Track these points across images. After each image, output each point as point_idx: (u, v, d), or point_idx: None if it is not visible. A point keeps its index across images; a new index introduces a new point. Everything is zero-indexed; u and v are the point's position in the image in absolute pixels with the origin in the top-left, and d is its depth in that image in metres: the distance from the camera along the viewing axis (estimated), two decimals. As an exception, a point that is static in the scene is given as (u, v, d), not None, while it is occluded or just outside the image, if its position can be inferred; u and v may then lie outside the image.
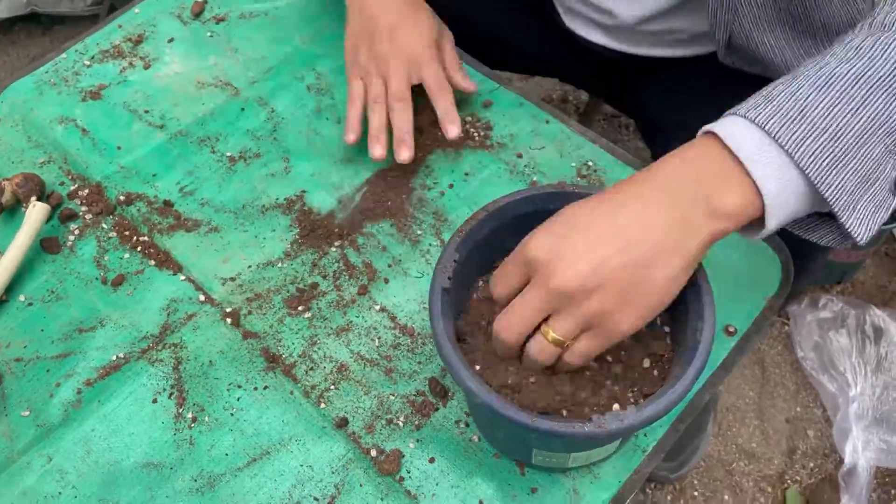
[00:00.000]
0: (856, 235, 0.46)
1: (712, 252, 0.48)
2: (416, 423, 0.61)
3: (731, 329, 0.63)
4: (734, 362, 0.62)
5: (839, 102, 0.45)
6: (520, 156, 0.74)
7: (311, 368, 0.64)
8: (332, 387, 0.63)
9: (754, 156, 0.45)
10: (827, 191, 0.44)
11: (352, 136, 0.73)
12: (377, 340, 0.65)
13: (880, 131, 0.45)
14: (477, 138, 0.76)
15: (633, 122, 1.56)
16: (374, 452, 0.59)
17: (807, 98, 0.45)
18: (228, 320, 0.67)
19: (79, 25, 1.87)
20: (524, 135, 0.76)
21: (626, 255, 0.46)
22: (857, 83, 0.45)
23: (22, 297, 0.68)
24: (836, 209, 0.45)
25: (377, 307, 0.66)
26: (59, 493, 0.58)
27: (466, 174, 0.74)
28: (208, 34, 0.86)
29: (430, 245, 0.70)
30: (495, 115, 0.78)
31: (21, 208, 0.73)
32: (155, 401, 0.63)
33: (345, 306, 0.67)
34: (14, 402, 0.63)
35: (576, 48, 0.84)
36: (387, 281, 0.68)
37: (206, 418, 0.62)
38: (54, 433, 0.61)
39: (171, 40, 0.85)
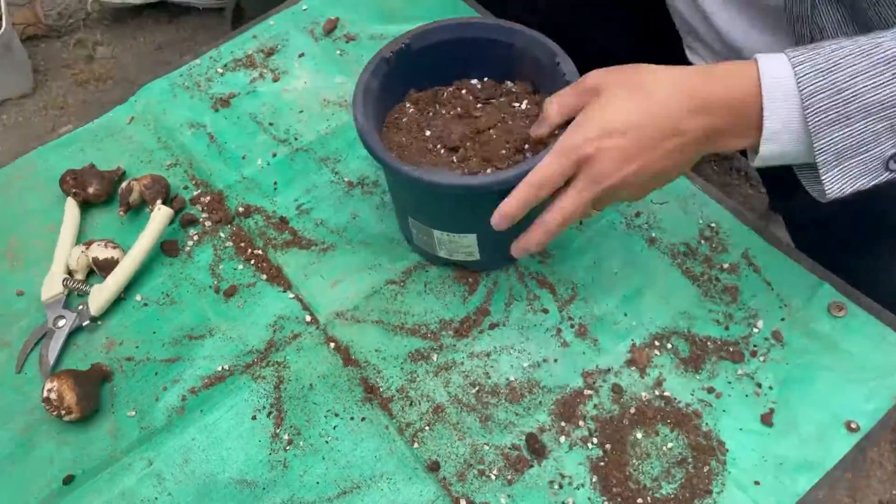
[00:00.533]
0: (828, 191, 0.52)
1: (840, 338, 0.50)
2: (509, 477, 0.60)
3: (854, 425, 0.60)
4: (854, 461, 0.59)
5: (866, 73, 0.50)
6: (637, 214, 0.72)
7: (408, 405, 0.63)
8: (427, 427, 0.62)
9: (773, 86, 0.51)
10: (818, 142, 0.51)
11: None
12: (476, 386, 0.64)
13: (891, 111, 0.50)
14: (596, 186, 0.74)
15: (745, 166, 1.50)
16: (463, 502, 0.59)
17: (843, 58, 0.50)
18: (331, 345, 0.67)
19: (204, 17, 1.95)
20: (646, 188, 0.74)
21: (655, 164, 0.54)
22: (889, 63, 0.50)
23: (138, 297, 0.71)
24: (818, 160, 0.52)
25: (480, 352, 0.66)
26: (156, 498, 0.60)
27: (580, 224, 0.72)
28: (338, 52, 0.87)
29: (543, 307, 0.68)
30: (618, 164, 0.76)
31: (146, 208, 0.75)
32: (254, 417, 0.64)
33: (447, 347, 0.66)
34: (122, 401, 0.65)
35: None
36: (492, 327, 0.67)
37: (302, 442, 0.62)
38: (156, 437, 0.63)
39: (301, 55, 0.87)
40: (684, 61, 0.85)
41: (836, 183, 0.52)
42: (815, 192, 0.55)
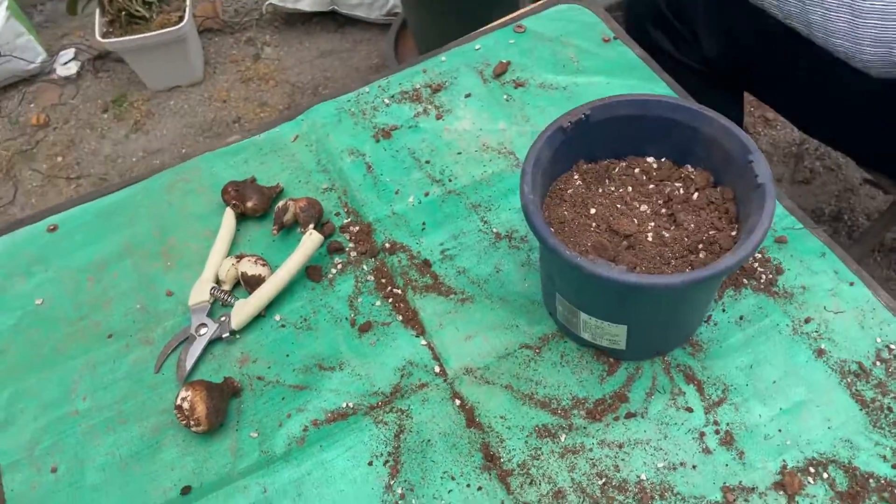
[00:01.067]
0: None
1: None
2: (626, 586, 0.55)
3: None
4: None
5: None
6: (808, 320, 0.66)
7: (528, 483, 0.60)
8: (545, 511, 0.59)
9: None
10: None
11: None
12: (603, 478, 0.60)
13: None
14: (762, 280, 0.69)
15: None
16: None
17: None
18: (457, 402, 0.65)
19: (369, 31, 2.00)
20: (820, 292, 0.67)
21: None
22: None
23: (277, 317, 0.71)
24: None
25: (612, 441, 0.62)
26: (265, 527, 0.60)
27: (741, 318, 0.67)
28: (504, 97, 0.85)
29: (687, 405, 0.63)
30: (788, 258, 0.70)
31: (297, 229, 0.76)
32: (371, 463, 0.62)
33: (577, 428, 0.62)
34: (246, 420, 0.66)
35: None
36: (629, 416, 0.63)
37: (414, 500, 0.60)
38: (274, 465, 0.63)
39: (467, 95, 0.86)
40: None
41: None
42: None
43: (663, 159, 0.64)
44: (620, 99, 0.62)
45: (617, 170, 0.64)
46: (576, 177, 0.64)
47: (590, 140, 0.63)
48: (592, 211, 0.61)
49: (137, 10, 1.76)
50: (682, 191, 0.62)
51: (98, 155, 1.84)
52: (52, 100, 1.97)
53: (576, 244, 0.60)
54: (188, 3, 1.83)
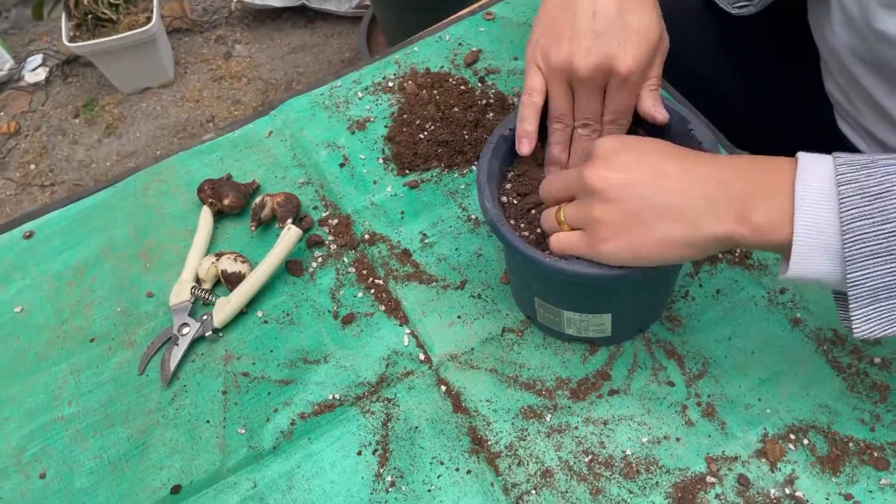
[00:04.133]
0: (855, 329, 0.46)
1: None
2: (616, 559, 0.56)
3: None
4: None
5: None
6: (782, 291, 0.67)
7: (516, 464, 0.61)
8: (534, 491, 0.60)
9: (811, 198, 0.45)
10: (852, 274, 0.44)
11: (527, 147, 0.61)
12: (589, 455, 0.61)
13: None
14: (737, 253, 0.70)
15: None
16: (565, 578, 0.56)
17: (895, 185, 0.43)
18: (443, 388, 0.66)
19: (339, 24, 1.99)
20: (794, 263, 0.68)
21: (650, 195, 0.49)
22: None
23: (259, 313, 0.72)
24: (850, 294, 0.45)
25: (596, 418, 0.62)
26: (257, 521, 0.60)
27: (718, 292, 0.68)
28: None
29: (668, 379, 0.64)
30: (763, 232, 0.71)
31: (276, 225, 0.76)
32: (359, 453, 0.63)
33: (562, 408, 0.63)
34: (233, 417, 0.66)
35: None
36: (612, 393, 0.64)
37: (404, 487, 0.61)
38: (263, 459, 0.63)
39: (440, 84, 0.86)
40: (835, 130, 0.79)
41: (867, 323, 0.46)
42: (844, 325, 0.48)
43: None
44: None
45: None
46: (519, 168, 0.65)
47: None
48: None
49: (104, 13, 1.74)
50: None
51: (71, 161, 1.82)
52: (21, 107, 1.94)
53: (537, 238, 0.60)
54: (156, 3, 1.81)
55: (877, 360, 0.63)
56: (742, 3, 0.79)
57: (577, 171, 0.53)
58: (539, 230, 0.60)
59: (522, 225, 0.61)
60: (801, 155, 0.47)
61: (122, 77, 1.89)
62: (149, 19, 1.78)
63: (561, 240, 0.55)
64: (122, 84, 1.91)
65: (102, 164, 1.80)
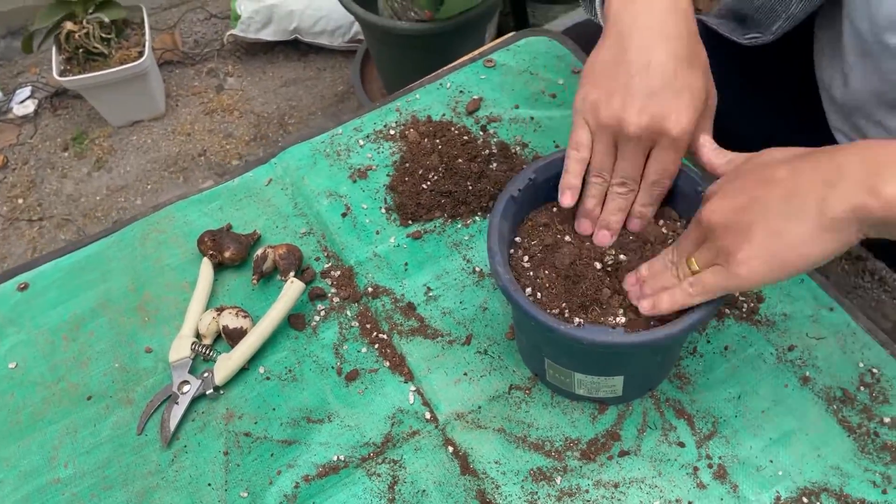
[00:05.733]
0: None
1: None
2: None
3: None
4: None
5: None
6: (791, 348, 0.67)
7: (526, 529, 0.60)
8: (545, 557, 0.58)
9: None
10: None
11: (569, 200, 0.61)
12: (601, 519, 0.60)
13: None
14: (744, 309, 0.70)
15: (880, 269, 1.40)
16: None
17: None
18: (450, 448, 0.64)
19: (332, 57, 2.00)
20: (801, 318, 0.68)
21: (767, 204, 0.49)
22: None
23: (261, 370, 0.70)
24: None
25: (608, 481, 0.61)
26: (261, 591, 0.58)
27: (726, 349, 0.67)
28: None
29: (679, 440, 0.64)
30: (769, 287, 0.71)
31: (277, 277, 0.75)
32: (365, 518, 0.61)
33: (572, 470, 0.62)
34: (235, 479, 0.64)
35: None
36: (622, 455, 0.63)
37: (412, 554, 0.59)
38: (267, 525, 0.61)
39: (442, 132, 0.86)
40: None
41: None
42: None
43: None
44: (561, 156, 0.62)
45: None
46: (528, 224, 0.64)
47: (539, 197, 0.64)
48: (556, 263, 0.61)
49: (95, 48, 1.73)
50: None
51: (60, 195, 1.80)
52: (9, 140, 1.92)
53: (549, 300, 0.59)
54: (147, 37, 1.80)
55: (886, 419, 0.62)
56: (753, 36, 0.79)
57: (692, 225, 0.54)
58: (541, 294, 0.59)
59: (529, 289, 0.60)
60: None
61: (112, 110, 1.87)
62: (141, 53, 1.77)
63: (698, 285, 0.53)
64: (112, 117, 1.89)
65: (92, 198, 1.78)
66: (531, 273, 0.60)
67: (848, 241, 0.48)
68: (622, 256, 0.60)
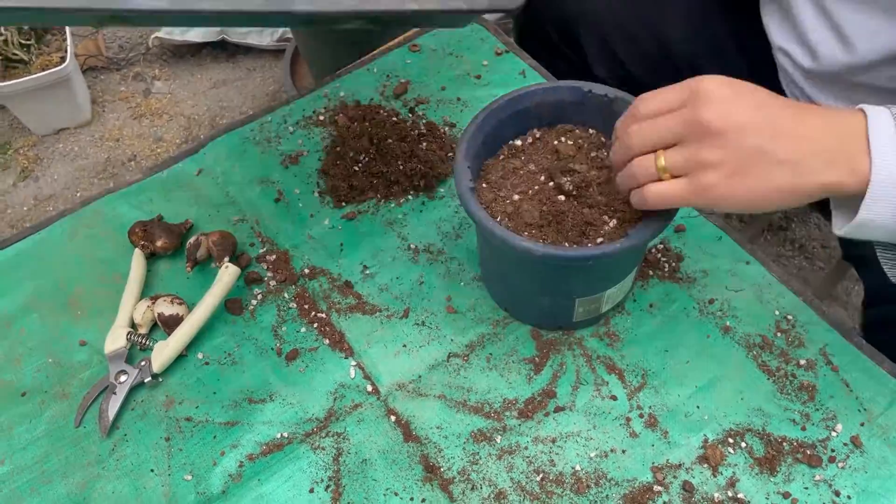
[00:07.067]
0: None
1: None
2: (573, 574, 0.57)
3: None
4: None
5: None
6: (711, 301, 0.70)
7: (470, 489, 0.61)
8: (489, 514, 0.60)
9: (884, 144, 0.47)
10: None
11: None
12: (540, 473, 0.62)
13: None
14: (666, 269, 0.73)
15: (801, 237, 1.47)
16: None
17: None
18: (392, 418, 0.66)
19: (261, 57, 1.98)
20: (720, 273, 0.72)
21: (767, 142, 0.49)
22: None
23: (200, 355, 0.70)
24: None
25: (545, 437, 0.64)
26: (210, 570, 0.59)
27: (651, 306, 0.71)
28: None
29: (611, 394, 0.66)
30: (689, 247, 0.74)
31: (212, 264, 0.75)
32: (312, 490, 0.62)
33: (511, 428, 0.64)
34: (178, 463, 0.64)
35: None
36: (558, 411, 0.65)
37: (359, 521, 0.60)
38: (213, 505, 0.62)
39: (371, 116, 0.87)
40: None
41: None
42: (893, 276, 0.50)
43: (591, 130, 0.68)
44: (532, 88, 0.67)
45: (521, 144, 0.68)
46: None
47: (521, 120, 0.68)
48: (516, 197, 0.64)
49: (15, 54, 1.68)
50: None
51: (-16, 207, 1.74)
52: (-74, 153, 1.85)
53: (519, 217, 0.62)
54: (69, 41, 1.76)
55: (802, 361, 0.66)
56: None
57: (684, 113, 0.50)
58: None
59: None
60: (861, 106, 0.50)
61: (36, 118, 1.82)
62: (63, 59, 1.72)
63: (662, 190, 0.52)
64: (36, 126, 1.84)
65: (19, 209, 1.73)
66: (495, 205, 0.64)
67: (806, 202, 0.51)
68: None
